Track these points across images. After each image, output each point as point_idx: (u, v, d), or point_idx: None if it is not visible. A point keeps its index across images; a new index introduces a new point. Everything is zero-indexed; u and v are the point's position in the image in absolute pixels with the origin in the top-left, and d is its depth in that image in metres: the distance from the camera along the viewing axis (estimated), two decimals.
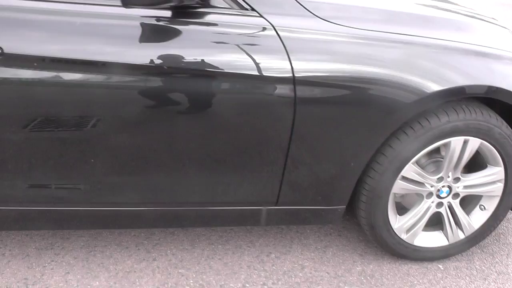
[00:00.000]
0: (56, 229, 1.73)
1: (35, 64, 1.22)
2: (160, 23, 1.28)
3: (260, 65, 1.28)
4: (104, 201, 1.43)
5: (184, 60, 1.25)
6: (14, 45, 1.21)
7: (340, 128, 1.38)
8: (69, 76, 1.23)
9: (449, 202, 1.65)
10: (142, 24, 1.28)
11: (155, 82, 1.27)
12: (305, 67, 1.30)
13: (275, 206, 1.50)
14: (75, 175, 1.37)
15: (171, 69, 1.26)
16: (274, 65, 1.29)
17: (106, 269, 1.61)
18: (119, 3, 1.29)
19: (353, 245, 1.79)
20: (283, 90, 1.30)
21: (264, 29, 1.29)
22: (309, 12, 1.33)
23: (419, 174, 1.55)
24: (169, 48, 1.26)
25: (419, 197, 1.63)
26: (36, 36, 1.22)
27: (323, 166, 1.45)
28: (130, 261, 1.65)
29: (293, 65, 1.29)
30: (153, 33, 1.29)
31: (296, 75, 1.29)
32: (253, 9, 1.31)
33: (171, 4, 1.21)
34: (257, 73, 1.28)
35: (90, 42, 1.24)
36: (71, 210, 1.45)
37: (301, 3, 1.34)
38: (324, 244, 1.78)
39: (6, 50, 1.20)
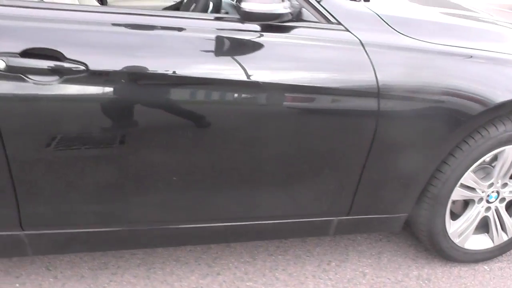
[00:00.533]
0: (117, 249, 1.66)
1: (123, 80, 1.19)
2: (248, 37, 1.28)
3: (347, 79, 1.31)
4: (182, 219, 1.41)
5: (269, 74, 1.26)
6: (100, 62, 1.17)
7: (415, 140, 1.44)
8: (157, 92, 1.20)
9: (496, 206, 1.75)
10: (231, 39, 1.27)
11: (239, 96, 1.26)
12: (389, 81, 1.34)
13: (347, 216, 1.54)
14: (145, 194, 1.35)
15: (256, 83, 1.25)
16: (361, 79, 1.32)
17: (171, 286, 1.57)
18: (204, 16, 1.28)
19: (404, 250, 1.85)
20: (367, 103, 1.34)
21: (351, 43, 1.32)
22: (390, 28, 1.38)
23: (475, 181, 1.63)
24: (256, 62, 1.26)
25: (471, 202, 1.72)
26: (122, 51, 1.18)
27: (395, 176, 1.49)
28: (194, 276, 1.62)
29: (378, 79, 1.33)
30: (240, 47, 1.29)
31: (381, 89, 1.33)
32: (339, 23, 1.33)
33: (283, 19, 1.22)
34: (345, 87, 1.31)
35: (179, 56, 1.22)
36: (140, 230, 1.42)
37: (383, 19, 1.38)
38: (378, 250, 1.83)
39: (91, 67, 1.16)
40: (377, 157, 1.43)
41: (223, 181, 1.36)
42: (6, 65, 1.12)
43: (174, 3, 2.65)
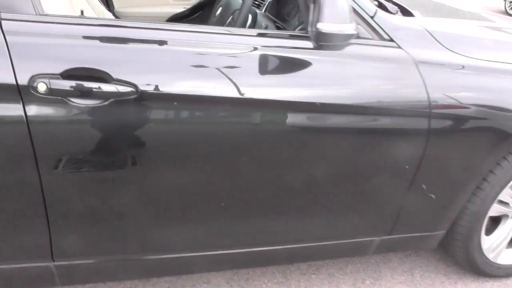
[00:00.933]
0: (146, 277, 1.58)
1: (175, 103, 1.11)
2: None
3: (400, 97, 1.27)
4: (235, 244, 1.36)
5: (326, 94, 1.21)
6: (151, 83, 1.08)
7: (461, 158, 1.41)
8: (213, 115, 1.14)
9: None
10: (281, 57, 1.21)
11: (298, 119, 1.20)
12: (440, 99, 1.30)
13: (388, 235, 1.49)
14: (188, 220, 1.28)
15: (313, 104, 1.20)
16: (413, 97, 1.28)
17: None
18: (252, 33, 1.21)
19: (434, 265, 1.82)
20: (418, 122, 1.30)
21: (405, 61, 1.28)
22: (440, 44, 1.34)
23: (510, 197, 1.62)
24: (309, 79, 1.20)
25: (504, 217, 1.70)
26: (179, 72, 1.11)
27: (440, 194, 1.46)
28: None
29: (430, 97, 1.29)
30: (291, 65, 1.22)
31: (432, 107, 1.29)
32: (392, 40, 1.28)
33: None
34: (397, 106, 1.27)
35: (233, 76, 1.14)
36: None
37: (433, 35, 1.34)
38: (409, 266, 1.80)
39: (141, 89, 1.07)
40: (424, 177, 1.39)
41: (269, 206, 1.30)
42: (47, 87, 1.02)
43: (183, 9, 2.57)
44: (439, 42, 1.34)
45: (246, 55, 1.16)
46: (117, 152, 1.11)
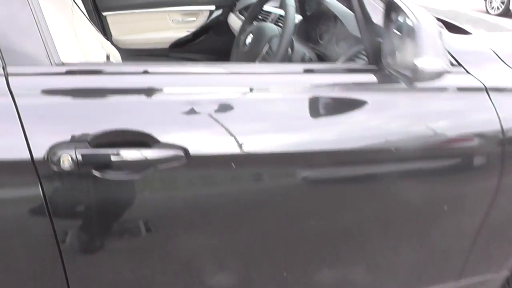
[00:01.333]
0: None
1: (232, 163, 0.92)
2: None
3: (471, 132, 1.11)
4: None
5: (395, 139, 1.04)
6: (203, 145, 0.89)
7: None
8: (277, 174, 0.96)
9: None
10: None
11: (370, 167, 1.04)
12: None
13: (456, 280, 1.33)
14: None
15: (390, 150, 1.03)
16: (484, 129, 1.12)
17: None
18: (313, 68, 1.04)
19: None
20: (492, 158, 1.14)
21: (476, 89, 1.12)
22: (508, 67, 1.18)
23: None
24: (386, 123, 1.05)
25: None
26: (228, 130, 0.92)
27: (509, 233, 1.31)
28: None
29: (504, 128, 1.13)
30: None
31: (507, 139, 1.13)
32: (460, 65, 1.13)
33: None
34: (469, 143, 1.11)
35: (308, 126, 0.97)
36: None
37: (500, 57, 1.18)
38: None
39: (192, 152, 0.87)
40: (496, 215, 1.23)
41: (331, 264, 1.13)
42: (73, 161, 0.80)
43: (187, 33, 2.38)
44: (505, 63, 1.19)
45: (325, 100, 0.99)
46: (164, 235, 0.91)
